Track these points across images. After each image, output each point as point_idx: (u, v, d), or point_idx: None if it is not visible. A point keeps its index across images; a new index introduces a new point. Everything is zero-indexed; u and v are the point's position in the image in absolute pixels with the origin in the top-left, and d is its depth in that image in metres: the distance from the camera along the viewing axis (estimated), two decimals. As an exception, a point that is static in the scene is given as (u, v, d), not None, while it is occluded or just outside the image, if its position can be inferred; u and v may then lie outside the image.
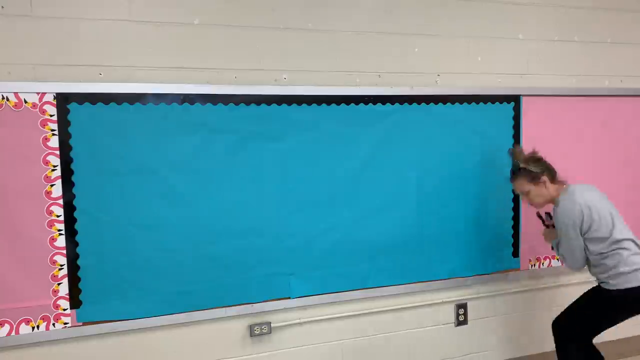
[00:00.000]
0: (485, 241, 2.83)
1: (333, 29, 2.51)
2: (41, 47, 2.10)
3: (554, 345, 2.49)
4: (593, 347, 2.44)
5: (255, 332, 2.46)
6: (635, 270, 2.25)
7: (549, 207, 2.53)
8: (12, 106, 2.05)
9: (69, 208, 2.14)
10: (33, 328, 2.14)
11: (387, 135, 2.59)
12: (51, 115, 2.10)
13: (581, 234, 2.33)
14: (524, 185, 2.47)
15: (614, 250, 2.29)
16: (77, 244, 2.17)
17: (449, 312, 2.85)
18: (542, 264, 2.97)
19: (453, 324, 2.87)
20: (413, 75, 2.66)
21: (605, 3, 3.02)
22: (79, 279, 2.18)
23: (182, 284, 2.32)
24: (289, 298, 2.50)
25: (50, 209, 2.13)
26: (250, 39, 2.38)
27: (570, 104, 2.94)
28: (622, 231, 2.33)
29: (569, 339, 2.43)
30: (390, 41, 2.61)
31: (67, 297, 2.17)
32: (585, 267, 2.44)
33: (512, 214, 2.88)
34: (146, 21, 2.23)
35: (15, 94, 2.05)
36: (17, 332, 2.12)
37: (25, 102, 2.07)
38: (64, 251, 2.15)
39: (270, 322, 2.49)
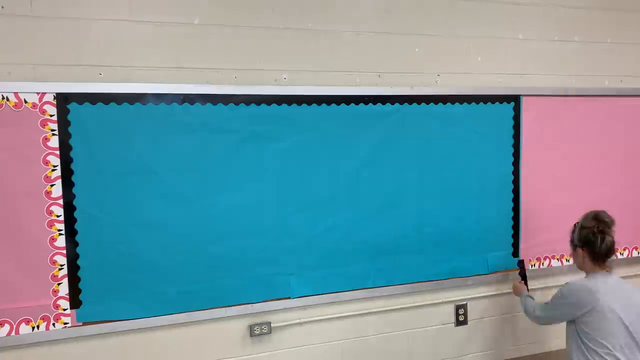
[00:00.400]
0: (485, 241, 2.83)
1: (333, 29, 2.51)
2: (41, 47, 2.10)
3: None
4: None
5: (255, 332, 2.46)
6: None
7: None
8: (12, 106, 2.05)
9: (69, 208, 2.14)
10: (33, 328, 2.14)
11: (387, 135, 2.59)
12: (51, 115, 2.10)
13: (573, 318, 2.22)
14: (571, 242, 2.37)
15: None
16: (77, 244, 2.17)
17: (449, 312, 2.85)
18: (542, 264, 2.97)
19: (453, 324, 2.87)
20: (413, 75, 2.66)
21: (605, 3, 3.02)
22: (79, 279, 2.18)
23: (182, 284, 2.31)
24: (289, 298, 2.50)
25: (50, 209, 2.13)
26: (250, 39, 2.38)
27: (570, 104, 2.94)
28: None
29: None
30: (390, 41, 2.61)
31: (67, 297, 2.17)
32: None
33: (512, 214, 2.87)
34: (146, 21, 2.23)
35: (15, 94, 2.05)
36: (17, 332, 2.12)
37: (25, 102, 2.07)
38: (64, 251, 2.15)
39: (270, 322, 2.49)
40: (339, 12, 2.52)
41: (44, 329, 2.15)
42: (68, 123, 2.12)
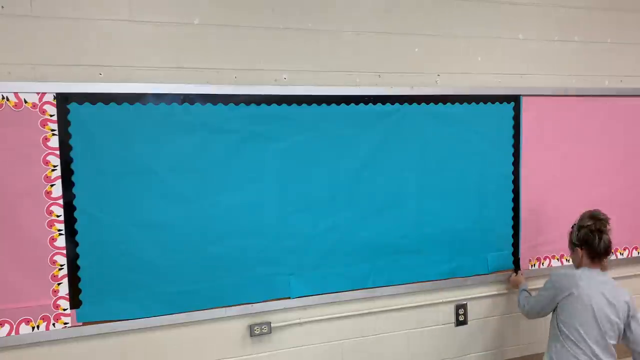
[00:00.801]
0: (485, 241, 2.83)
1: (333, 29, 2.51)
2: (41, 47, 2.10)
3: None
4: None
5: (255, 332, 2.46)
6: None
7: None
8: (12, 106, 2.05)
9: (69, 208, 2.14)
10: (33, 328, 2.14)
11: (387, 135, 2.59)
12: (51, 115, 2.10)
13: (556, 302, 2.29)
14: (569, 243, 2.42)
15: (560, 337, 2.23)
16: (77, 244, 2.17)
17: (449, 312, 2.85)
18: (542, 263, 2.97)
19: (453, 324, 2.87)
20: (413, 75, 2.66)
21: (605, 3, 3.02)
22: (79, 279, 2.18)
23: (182, 284, 2.31)
24: (289, 298, 2.50)
25: (50, 209, 2.12)
26: (250, 39, 2.38)
27: (570, 104, 2.94)
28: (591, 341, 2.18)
29: None
30: (390, 41, 2.61)
31: (67, 297, 2.17)
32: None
33: (511, 214, 2.87)
34: (146, 21, 2.23)
35: (15, 94, 2.05)
36: (17, 332, 2.12)
37: (25, 102, 2.07)
38: (64, 251, 2.15)
39: (270, 322, 2.49)
40: (339, 12, 2.52)
41: (44, 329, 2.15)
42: (68, 123, 2.12)
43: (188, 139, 2.28)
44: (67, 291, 2.17)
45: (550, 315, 2.39)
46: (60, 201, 2.13)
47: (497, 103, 2.79)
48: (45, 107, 2.09)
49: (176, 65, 2.28)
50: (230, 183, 2.35)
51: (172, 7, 2.27)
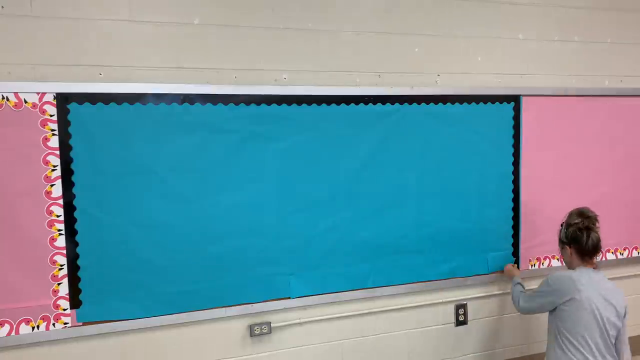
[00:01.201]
0: (485, 241, 2.83)
1: (333, 29, 2.51)
2: (41, 47, 2.10)
3: None
4: None
5: (255, 332, 2.46)
6: None
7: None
8: (12, 106, 2.05)
9: (69, 208, 2.14)
10: (33, 328, 2.14)
11: (387, 135, 2.59)
12: (51, 115, 2.10)
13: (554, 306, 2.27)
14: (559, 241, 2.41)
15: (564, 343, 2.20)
16: (77, 244, 2.17)
17: (449, 312, 2.85)
18: (542, 263, 2.97)
19: (453, 324, 2.87)
20: (413, 75, 2.66)
21: (605, 3, 3.02)
22: (79, 279, 2.18)
23: (182, 284, 2.32)
24: (289, 298, 2.50)
25: (50, 209, 2.13)
26: (250, 39, 2.38)
27: (570, 104, 2.94)
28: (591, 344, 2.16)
29: None
30: (390, 41, 2.61)
31: (67, 297, 2.17)
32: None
33: (511, 214, 2.88)
34: (146, 21, 2.23)
35: (15, 94, 2.05)
36: (17, 332, 2.12)
37: (25, 102, 2.07)
38: (64, 251, 2.15)
39: (270, 322, 2.49)
40: (339, 12, 2.52)
41: (44, 329, 2.15)
42: (68, 123, 2.12)
43: (188, 139, 2.28)
44: (67, 291, 2.17)
45: (547, 317, 2.37)
46: (60, 201, 2.13)
47: (497, 103, 2.79)
48: (45, 107, 2.09)
49: (176, 65, 2.28)
50: (230, 183, 2.35)
51: (172, 7, 2.27)
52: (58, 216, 2.13)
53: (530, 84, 2.88)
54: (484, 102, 2.76)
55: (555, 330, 2.26)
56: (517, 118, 2.83)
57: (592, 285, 2.20)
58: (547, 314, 2.37)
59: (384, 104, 2.57)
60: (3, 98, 2.04)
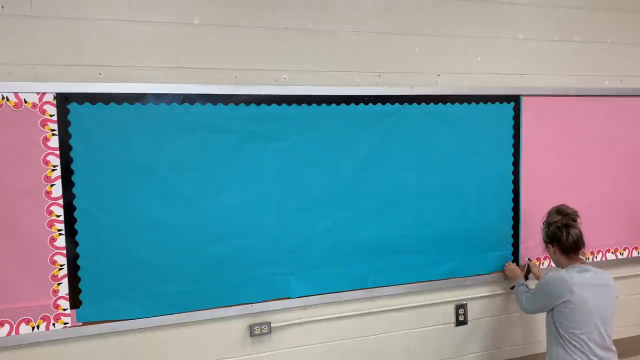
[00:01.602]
0: (485, 241, 2.83)
1: (333, 29, 2.51)
2: (41, 47, 2.10)
3: None
4: None
5: (255, 332, 2.46)
6: None
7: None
8: (12, 106, 2.06)
9: (69, 208, 2.14)
10: (33, 328, 2.14)
11: (387, 135, 2.59)
12: (51, 115, 2.10)
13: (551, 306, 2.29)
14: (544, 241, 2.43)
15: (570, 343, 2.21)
16: (77, 244, 2.17)
17: (449, 312, 2.85)
18: (542, 264, 2.97)
19: (453, 324, 2.87)
20: (413, 75, 2.66)
21: (605, 3, 3.02)
22: (79, 279, 2.18)
23: (182, 284, 2.32)
24: (289, 298, 2.50)
25: (50, 209, 2.13)
26: (250, 39, 2.38)
27: (570, 104, 2.94)
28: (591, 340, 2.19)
29: None
30: (390, 41, 2.61)
31: (67, 297, 2.17)
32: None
33: (512, 214, 2.88)
34: (146, 21, 2.23)
35: (15, 94, 2.05)
36: (17, 332, 2.12)
37: (25, 102, 2.07)
38: (64, 251, 2.15)
39: (270, 322, 2.49)
40: (339, 12, 2.52)
41: (44, 329, 2.15)
42: (68, 123, 2.12)
43: (188, 139, 2.28)
44: (67, 291, 2.17)
45: (545, 318, 2.39)
46: (60, 201, 2.13)
47: (497, 103, 2.79)
48: (45, 107, 2.09)
49: (176, 65, 2.28)
50: (230, 183, 2.35)
51: (172, 7, 2.27)
52: (58, 216, 2.13)
53: (530, 84, 2.88)
54: (484, 102, 2.76)
55: (555, 330, 2.27)
56: (517, 118, 2.83)
57: (584, 284, 2.21)
58: (545, 314, 2.38)
59: (384, 104, 2.57)
60: (3, 98, 2.04)
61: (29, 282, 2.12)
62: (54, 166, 2.12)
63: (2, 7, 2.06)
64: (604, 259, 3.11)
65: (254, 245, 2.41)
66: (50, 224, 2.13)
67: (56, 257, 2.15)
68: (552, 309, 2.29)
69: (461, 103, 2.71)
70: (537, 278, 2.71)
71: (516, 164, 2.85)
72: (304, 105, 2.44)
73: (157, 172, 2.25)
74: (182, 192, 2.29)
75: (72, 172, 2.14)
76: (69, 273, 2.16)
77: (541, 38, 2.90)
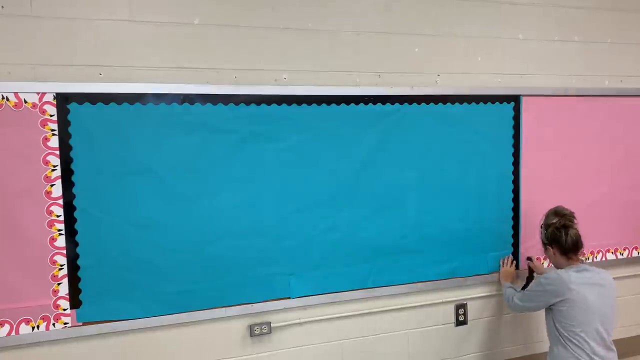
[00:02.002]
0: (485, 241, 2.83)
1: (333, 29, 2.51)
2: (41, 47, 2.10)
3: None
4: None
5: (255, 332, 2.46)
6: None
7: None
8: (12, 106, 2.06)
9: (69, 208, 2.14)
10: (33, 328, 2.14)
11: (387, 135, 2.59)
12: (51, 115, 2.10)
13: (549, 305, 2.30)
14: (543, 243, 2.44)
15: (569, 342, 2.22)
16: (77, 244, 2.17)
17: (449, 312, 2.85)
18: (542, 263, 2.97)
19: (453, 324, 2.87)
20: (413, 75, 2.66)
21: (605, 3, 3.02)
22: (79, 279, 2.18)
23: (182, 284, 2.32)
24: (289, 298, 2.50)
25: (50, 209, 2.13)
26: (250, 39, 2.38)
27: (570, 104, 2.94)
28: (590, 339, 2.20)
29: None
30: (390, 41, 2.61)
31: (67, 297, 2.17)
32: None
33: (512, 214, 2.88)
34: (146, 21, 2.23)
35: (15, 94, 2.05)
36: (17, 332, 2.12)
37: (25, 102, 2.07)
38: (64, 251, 2.15)
39: (270, 322, 2.49)
40: (339, 12, 2.52)
41: (44, 329, 2.15)
42: (68, 123, 2.12)
43: (188, 139, 2.28)
44: (67, 291, 2.17)
45: (544, 317, 2.39)
46: (60, 201, 2.13)
47: (497, 103, 2.79)
48: (45, 107, 2.09)
49: (176, 65, 2.28)
50: (230, 183, 2.35)
51: (172, 7, 2.27)
52: (58, 216, 2.13)
53: (530, 84, 2.88)
54: (484, 102, 2.76)
55: (555, 329, 2.28)
56: (517, 118, 2.83)
57: (583, 282, 2.22)
58: (544, 314, 2.39)
59: (384, 104, 2.57)
60: (3, 98, 2.04)
61: (29, 282, 2.12)
62: (54, 166, 2.12)
63: (2, 7, 2.06)
64: (603, 259, 3.11)
65: (254, 245, 2.41)
66: (50, 224, 2.13)
67: (56, 257, 2.15)
68: (551, 309, 2.29)
69: (461, 103, 2.71)
70: (540, 274, 2.72)
71: (516, 164, 2.85)
72: (304, 105, 2.44)
73: (157, 172, 2.25)
74: (183, 192, 2.29)
75: (72, 172, 2.14)
76: (69, 273, 2.16)
77: (541, 38, 2.90)
